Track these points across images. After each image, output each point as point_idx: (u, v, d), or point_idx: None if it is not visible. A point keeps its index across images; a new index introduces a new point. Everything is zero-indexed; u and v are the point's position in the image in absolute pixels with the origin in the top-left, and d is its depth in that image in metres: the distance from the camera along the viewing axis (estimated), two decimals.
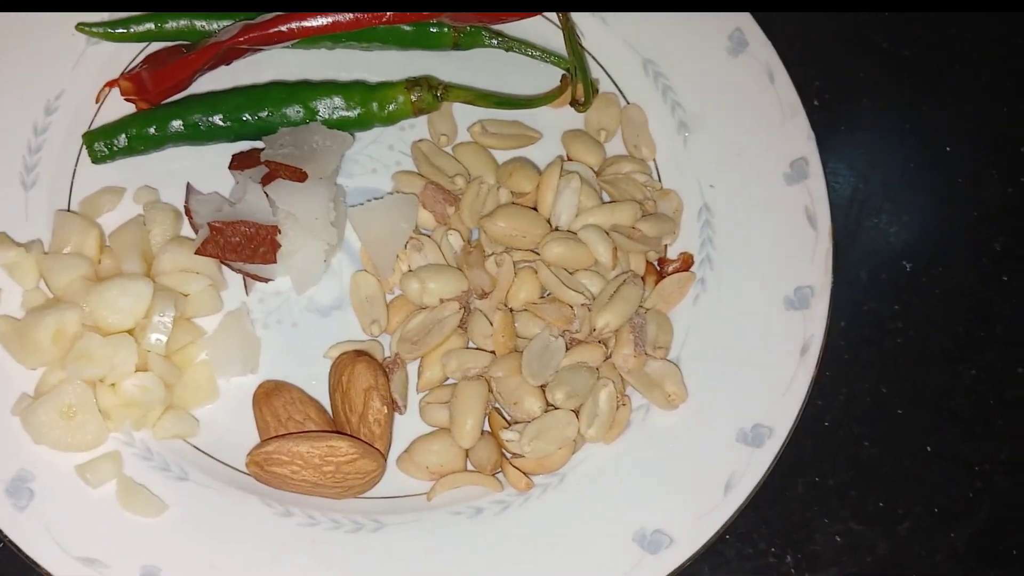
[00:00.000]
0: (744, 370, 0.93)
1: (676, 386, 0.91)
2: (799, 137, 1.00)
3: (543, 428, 0.87)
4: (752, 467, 0.89)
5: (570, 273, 0.92)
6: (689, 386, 0.92)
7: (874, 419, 1.00)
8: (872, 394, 1.01)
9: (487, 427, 0.90)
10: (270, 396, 0.88)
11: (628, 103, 1.03)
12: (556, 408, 0.88)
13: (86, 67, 0.97)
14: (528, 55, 1.01)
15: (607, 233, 0.93)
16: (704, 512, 0.88)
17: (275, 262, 0.90)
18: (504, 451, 0.90)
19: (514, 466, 0.88)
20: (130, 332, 0.86)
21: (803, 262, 0.96)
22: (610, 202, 0.97)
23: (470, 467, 0.90)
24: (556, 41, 1.02)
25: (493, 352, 0.91)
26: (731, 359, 0.93)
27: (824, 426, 0.99)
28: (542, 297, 0.93)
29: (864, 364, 1.02)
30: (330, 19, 0.92)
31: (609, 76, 1.04)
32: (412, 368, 0.92)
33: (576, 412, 0.89)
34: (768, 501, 0.94)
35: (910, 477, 0.98)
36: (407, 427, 0.90)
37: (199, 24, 0.97)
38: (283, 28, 0.92)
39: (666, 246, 0.98)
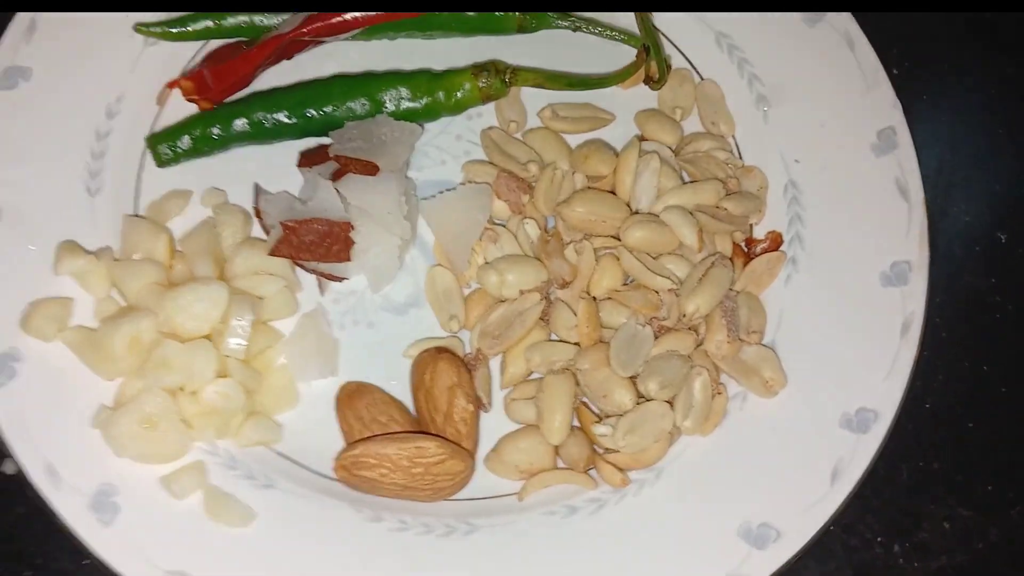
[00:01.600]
0: (843, 352, 0.90)
1: (774, 371, 0.88)
2: (884, 106, 0.97)
3: (637, 421, 0.84)
4: (859, 453, 0.86)
5: (654, 258, 0.89)
6: (787, 371, 0.88)
7: (977, 399, 0.96)
8: (973, 373, 0.97)
9: (576, 422, 0.87)
10: (353, 398, 0.86)
11: (703, 79, 1.00)
12: (649, 400, 0.85)
13: (145, 68, 0.95)
14: (597, 34, 0.98)
15: (691, 214, 0.90)
16: (811, 503, 0.84)
17: (349, 260, 0.88)
18: (596, 447, 0.86)
19: (608, 462, 0.85)
20: (207, 337, 0.83)
21: (898, 236, 0.93)
22: (691, 182, 0.93)
23: (561, 464, 0.86)
24: (623, 18, 0.99)
25: (578, 344, 0.88)
26: (829, 341, 0.90)
27: (925, 408, 0.95)
28: (626, 284, 0.90)
29: (962, 341, 0.98)
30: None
31: (681, 52, 1.01)
32: (494, 363, 0.89)
33: (670, 403, 0.85)
34: (872, 489, 0.90)
35: (1019, 458, 0.94)
36: (493, 425, 0.88)
37: (258, 19, 0.95)
38: (347, 17, 0.90)
39: (752, 225, 0.95)
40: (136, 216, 0.90)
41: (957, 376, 0.96)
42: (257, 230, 0.92)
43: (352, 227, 0.87)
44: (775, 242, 0.94)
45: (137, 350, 0.82)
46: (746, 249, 0.94)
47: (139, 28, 0.94)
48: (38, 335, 0.84)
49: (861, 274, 0.92)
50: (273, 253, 0.86)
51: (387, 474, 0.81)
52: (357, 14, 0.89)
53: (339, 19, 0.89)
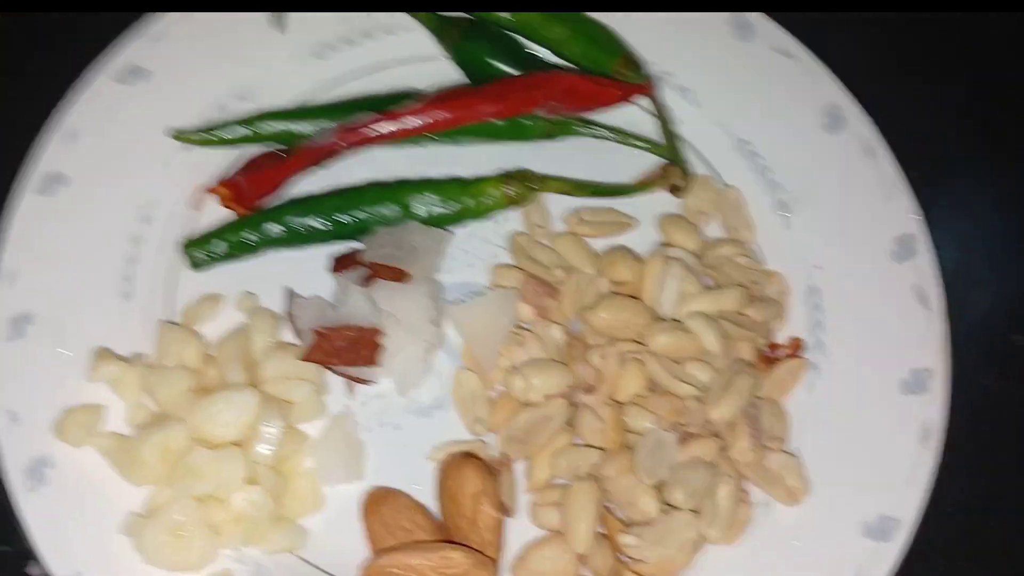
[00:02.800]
0: (864, 459, 0.89)
1: (798, 479, 0.88)
2: (903, 214, 0.97)
3: (662, 531, 0.84)
4: (879, 561, 0.86)
5: (678, 363, 0.90)
6: (809, 478, 0.88)
7: (997, 504, 0.95)
8: (993, 477, 0.96)
9: (601, 529, 0.87)
10: (378, 503, 0.86)
11: (725, 185, 1.01)
12: (674, 507, 0.85)
13: (178, 172, 0.97)
14: (620, 142, 0.99)
15: (715, 320, 0.90)
16: None
17: (378, 365, 0.89)
18: (621, 555, 0.86)
19: (634, 572, 0.85)
20: (236, 444, 0.84)
21: (917, 343, 0.93)
22: (714, 287, 0.94)
23: (586, 573, 0.86)
24: (644, 127, 1.01)
25: (603, 449, 0.88)
26: (850, 448, 0.90)
27: (946, 513, 0.93)
28: (650, 390, 0.90)
29: (983, 445, 0.97)
30: (428, 119, 0.91)
31: (703, 159, 1.02)
32: (519, 467, 0.89)
33: (695, 511, 0.85)
34: None
35: None
36: (518, 529, 0.87)
37: (294, 127, 0.97)
38: (382, 129, 0.91)
39: (773, 331, 0.95)
40: (170, 323, 0.91)
41: (977, 481, 0.96)
42: (286, 332, 0.92)
43: (382, 333, 0.88)
44: (796, 348, 0.94)
45: (168, 458, 0.82)
46: (768, 354, 0.94)
47: (178, 135, 0.96)
48: (70, 441, 0.84)
49: (881, 382, 0.92)
50: (306, 359, 0.87)
51: None
52: (391, 126, 0.91)
53: (374, 131, 0.91)
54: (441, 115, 0.92)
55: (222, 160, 0.98)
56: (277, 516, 0.84)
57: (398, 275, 0.89)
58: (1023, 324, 1.03)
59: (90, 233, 0.93)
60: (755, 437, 0.88)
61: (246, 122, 0.96)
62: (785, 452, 0.89)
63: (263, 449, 0.84)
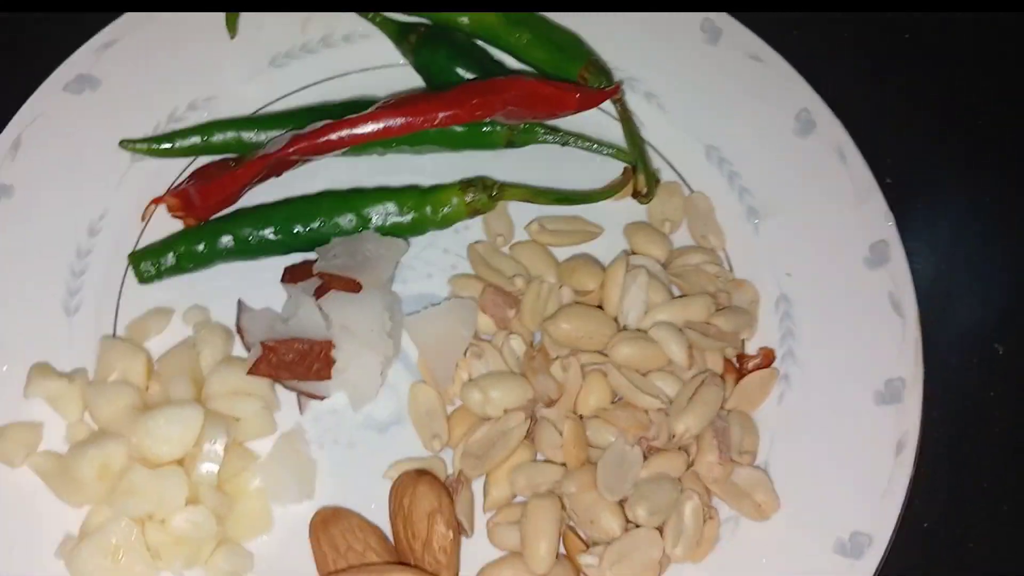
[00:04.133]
0: (837, 473, 0.87)
1: (767, 494, 0.85)
2: (877, 219, 0.95)
3: (625, 550, 0.81)
4: None
5: (642, 375, 0.87)
6: (779, 493, 0.85)
7: (978, 518, 0.92)
8: (974, 491, 0.93)
9: (562, 549, 0.84)
10: (328, 524, 0.83)
11: (692, 191, 0.99)
12: (637, 526, 0.82)
13: (130, 185, 0.95)
14: (585, 148, 0.97)
15: (680, 330, 0.88)
16: None
17: (330, 378, 0.86)
18: None
19: None
20: (179, 462, 0.81)
21: (892, 352, 0.91)
22: (681, 296, 0.92)
23: None
24: (612, 133, 0.99)
25: (564, 464, 0.85)
26: (822, 462, 0.87)
27: (924, 528, 0.91)
28: (613, 402, 0.87)
29: (962, 458, 0.95)
30: (381, 125, 0.89)
31: (670, 165, 1.00)
32: (477, 485, 0.87)
33: (660, 529, 0.82)
34: None
35: None
36: (475, 551, 0.84)
37: (246, 136, 0.95)
38: (333, 137, 0.89)
39: (743, 341, 0.93)
40: (114, 337, 0.89)
41: (957, 495, 0.93)
42: (239, 348, 0.90)
43: (333, 345, 0.85)
44: (767, 358, 0.91)
45: (106, 477, 0.79)
46: (737, 366, 0.91)
47: (125, 144, 0.94)
48: (5, 460, 0.82)
49: (855, 392, 0.89)
50: (252, 372, 0.85)
51: None
52: (343, 133, 0.89)
53: (325, 139, 0.89)
54: (397, 121, 0.89)
55: (174, 171, 0.96)
56: (221, 538, 0.82)
57: (351, 285, 0.86)
58: (1004, 332, 1.00)
59: (34, 245, 0.91)
60: (723, 451, 0.85)
61: (196, 131, 0.95)
62: (754, 467, 0.87)
63: (207, 468, 0.81)
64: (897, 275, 0.93)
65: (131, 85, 0.97)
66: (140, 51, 0.99)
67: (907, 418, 0.88)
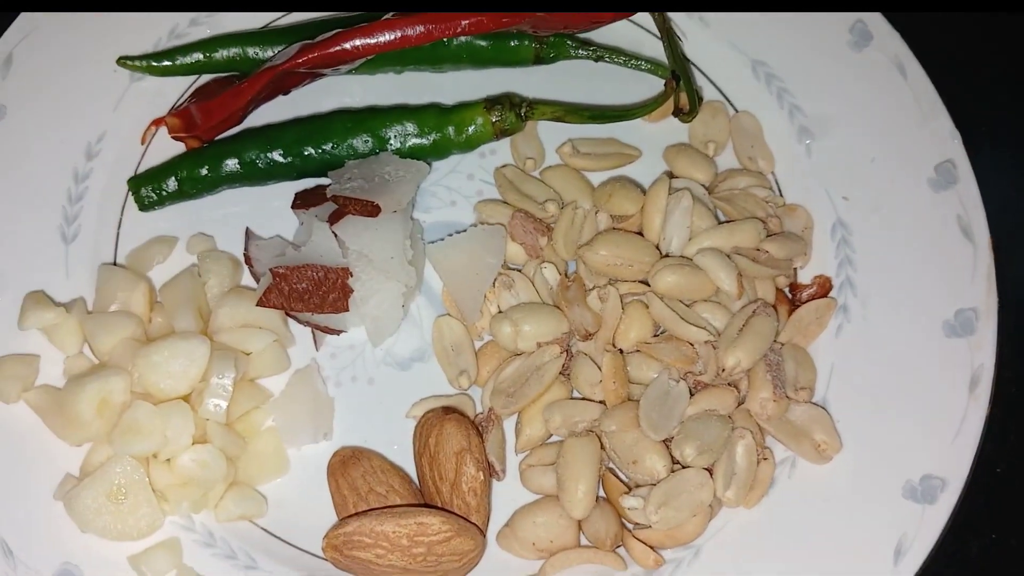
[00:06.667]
0: (904, 412, 0.82)
1: (827, 434, 0.81)
2: (942, 137, 0.90)
3: (671, 492, 0.77)
4: (925, 528, 0.79)
5: (687, 305, 0.82)
6: (841, 433, 0.81)
7: None
8: None
9: (602, 492, 0.80)
10: (347, 465, 0.79)
11: (737, 111, 0.93)
12: (684, 467, 0.78)
13: (129, 106, 0.91)
14: (621, 64, 0.91)
15: (728, 257, 0.83)
16: None
17: (347, 310, 0.82)
18: (625, 521, 0.79)
19: (639, 539, 0.78)
20: (185, 398, 0.77)
21: (962, 280, 0.86)
22: (727, 221, 0.86)
23: (584, 541, 0.79)
24: (649, 47, 0.93)
25: (603, 402, 0.81)
26: (888, 399, 0.83)
27: (996, 473, 0.87)
28: (656, 335, 0.83)
29: None
30: (398, 34, 0.84)
31: (713, 83, 0.94)
32: (509, 425, 0.83)
33: (709, 471, 0.78)
34: (938, 566, 0.80)
35: None
36: (507, 495, 0.81)
37: (251, 51, 0.90)
38: (346, 46, 0.84)
39: (797, 269, 0.88)
40: (113, 265, 0.85)
41: None
42: (247, 279, 0.86)
43: (351, 274, 0.81)
44: (823, 288, 0.87)
45: (106, 413, 0.76)
46: (791, 296, 0.87)
47: (123, 62, 0.89)
48: (1, 396, 0.78)
49: (922, 324, 0.84)
50: (262, 303, 0.80)
51: (384, 555, 0.73)
52: (357, 42, 0.83)
53: (336, 48, 0.83)
54: (415, 29, 0.84)
55: (175, 91, 0.92)
56: (232, 480, 0.78)
57: (367, 209, 0.81)
58: None
59: (28, 169, 0.88)
60: (777, 386, 0.80)
61: (199, 46, 0.90)
62: (812, 404, 0.82)
63: (214, 404, 0.77)
64: (966, 197, 0.88)
65: None
66: None
67: (982, 351, 0.83)
